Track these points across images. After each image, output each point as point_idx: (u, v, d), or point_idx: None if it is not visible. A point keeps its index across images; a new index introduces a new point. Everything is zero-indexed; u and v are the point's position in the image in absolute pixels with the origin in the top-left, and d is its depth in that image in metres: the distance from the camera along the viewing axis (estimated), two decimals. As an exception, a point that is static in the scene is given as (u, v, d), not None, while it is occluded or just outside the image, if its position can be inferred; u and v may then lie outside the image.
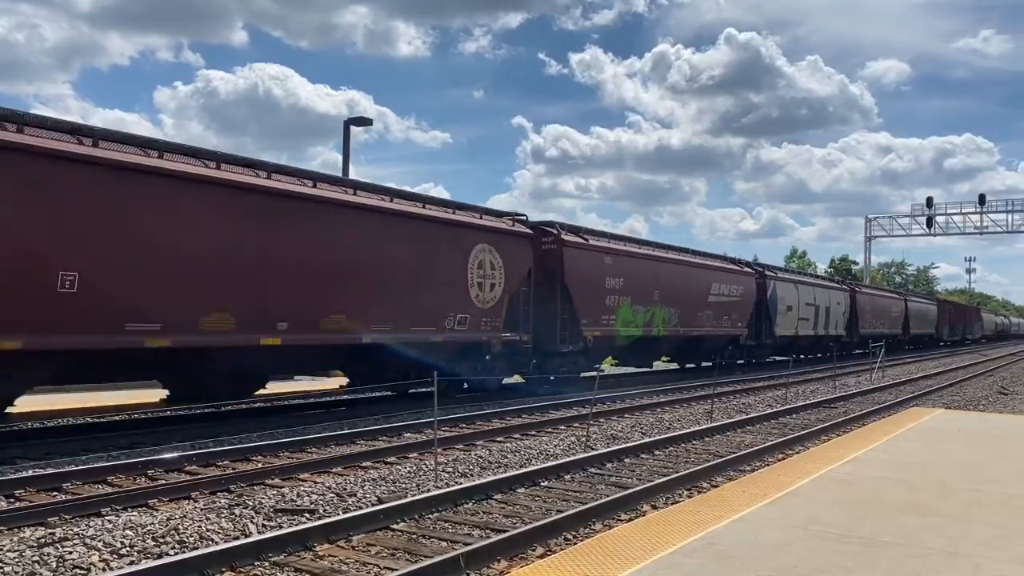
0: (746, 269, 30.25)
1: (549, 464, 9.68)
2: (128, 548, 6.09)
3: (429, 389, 14.80)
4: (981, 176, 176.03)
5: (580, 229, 21.25)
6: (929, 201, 61.95)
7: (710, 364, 25.49)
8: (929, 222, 61.81)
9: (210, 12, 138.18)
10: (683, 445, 12.04)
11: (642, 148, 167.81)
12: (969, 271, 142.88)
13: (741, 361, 29.16)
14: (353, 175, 24.53)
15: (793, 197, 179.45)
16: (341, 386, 17.58)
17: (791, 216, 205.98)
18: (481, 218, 17.45)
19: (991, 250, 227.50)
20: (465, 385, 17.58)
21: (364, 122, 25.69)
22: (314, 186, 13.56)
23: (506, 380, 18.96)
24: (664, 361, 26.28)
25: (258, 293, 12.31)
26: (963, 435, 12.00)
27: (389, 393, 16.54)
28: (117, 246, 10.53)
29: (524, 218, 19.45)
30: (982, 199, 59.99)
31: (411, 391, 16.52)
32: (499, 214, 18.70)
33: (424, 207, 15.91)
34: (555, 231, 19.77)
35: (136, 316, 10.78)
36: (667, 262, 24.45)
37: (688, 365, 28.26)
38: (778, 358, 32.79)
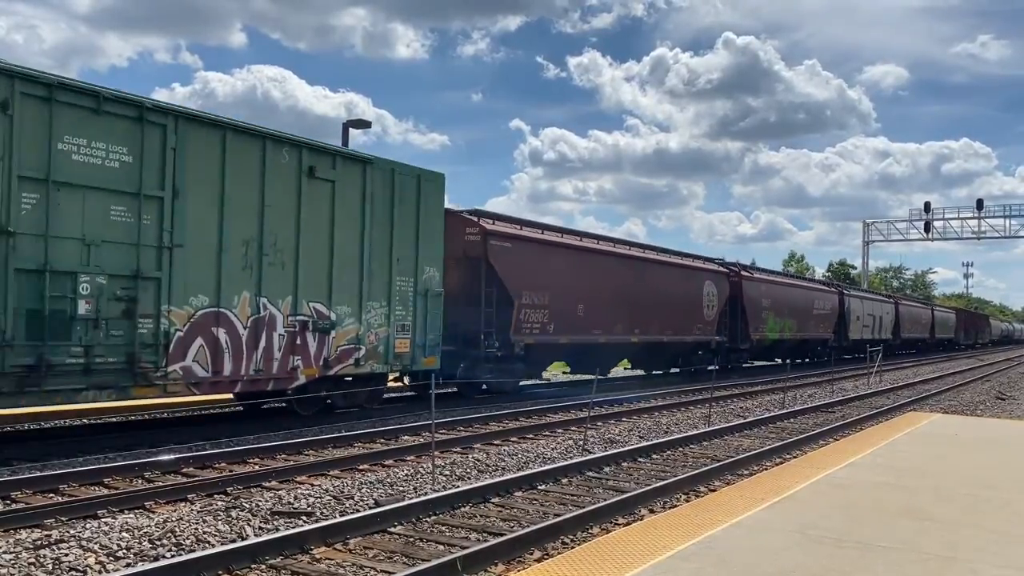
0: (832, 288, 40.59)
1: (546, 468, 9.67)
2: (124, 550, 6.08)
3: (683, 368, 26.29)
4: (979, 181, 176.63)
5: (746, 266, 31.56)
6: (927, 206, 62.07)
7: (802, 361, 35.58)
8: (927, 227, 61.88)
9: (208, 13, 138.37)
10: (681, 449, 12.04)
11: (640, 151, 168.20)
12: (967, 276, 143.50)
13: (827, 358, 35.50)
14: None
15: (791, 201, 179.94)
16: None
17: (789, 220, 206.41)
18: (705, 263, 27.96)
19: (988, 255, 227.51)
20: (692, 369, 26.16)
21: (363, 124, 25.62)
22: (643, 251, 24.43)
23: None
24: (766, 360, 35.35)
25: (629, 314, 22.15)
26: (961, 440, 12.00)
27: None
28: (593, 290, 20.53)
29: (723, 259, 29.88)
30: (980, 204, 60.11)
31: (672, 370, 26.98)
32: (709, 259, 28.86)
33: (683, 259, 26.60)
34: (736, 268, 29.50)
35: (595, 326, 20.72)
36: (792, 286, 34.69)
37: (787, 360, 35.55)
38: (846, 356, 41.07)
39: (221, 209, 11.64)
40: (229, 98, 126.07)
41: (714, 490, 8.83)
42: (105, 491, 8.30)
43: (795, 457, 11.09)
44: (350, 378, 14.09)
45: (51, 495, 8.09)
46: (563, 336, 19.35)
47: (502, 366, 17.76)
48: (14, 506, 7.60)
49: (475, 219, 17.59)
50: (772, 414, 16.41)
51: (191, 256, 11.21)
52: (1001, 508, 7.38)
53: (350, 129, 24.68)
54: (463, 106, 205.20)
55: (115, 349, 10.36)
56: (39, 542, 6.14)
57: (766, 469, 10.18)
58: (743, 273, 29.41)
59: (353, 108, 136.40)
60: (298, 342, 12.74)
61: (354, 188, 13.59)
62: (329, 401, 14.06)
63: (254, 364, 12.11)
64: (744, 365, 30.35)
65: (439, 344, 15.47)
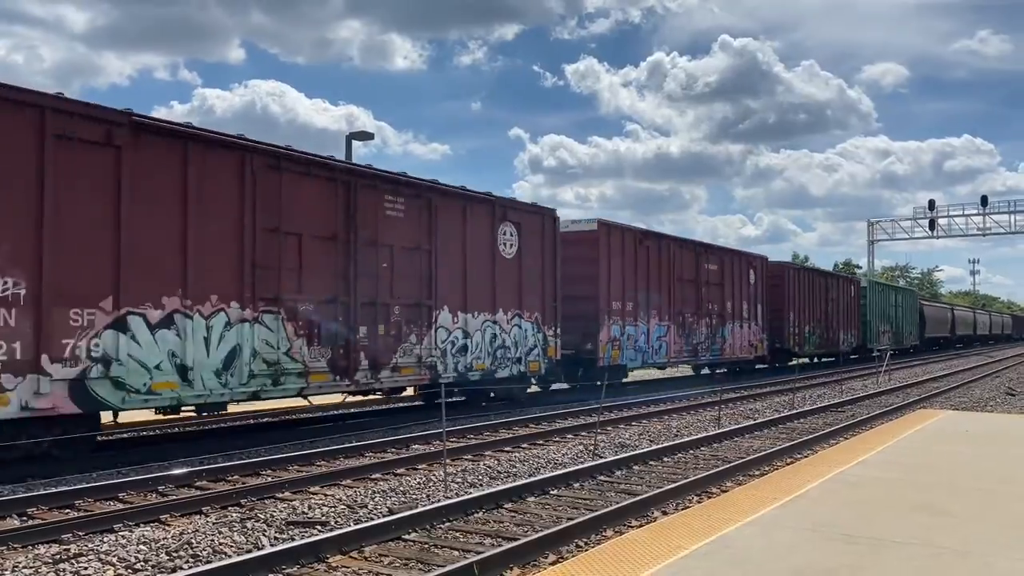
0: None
1: (558, 472, 9.70)
2: (142, 563, 6.13)
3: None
4: (982, 177, 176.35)
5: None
6: (931, 203, 61.98)
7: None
8: (932, 224, 61.79)
9: (206, 30, 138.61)
10: (691, 451, 12.05)
11: (641, 156, 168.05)
12: (973, 273, 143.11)
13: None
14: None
15: (793, 202, 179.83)
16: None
17: (792, 221, 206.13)
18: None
19: (994, 251, 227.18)
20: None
21: (366, 136, 25.79)
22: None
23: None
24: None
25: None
26: (971, 436, 12.00)
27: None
28: (934, 320, 57.20)
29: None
30: (984, 200, 60.03)
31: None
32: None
33: None
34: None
35: (937, 332, 58.56)
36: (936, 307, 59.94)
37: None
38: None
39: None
40: (228, 114, 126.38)
41: (726, 491, 8.85)
42: (120, 505, 8.34)
43: (806, 456, 11.09)
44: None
45: (67, 511, 8.13)
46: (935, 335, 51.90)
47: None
48: (31, 522, 7.64)
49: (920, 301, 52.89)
50: (781, 415, 16.41)
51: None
52: (1014, 502, 7.39)
53: (352, 141, 24.84)
54: (462, 116, 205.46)
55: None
56: (58, 556, 6.19)
57: (777, 469, 10.19)
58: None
59: (354, 121, 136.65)
60: None
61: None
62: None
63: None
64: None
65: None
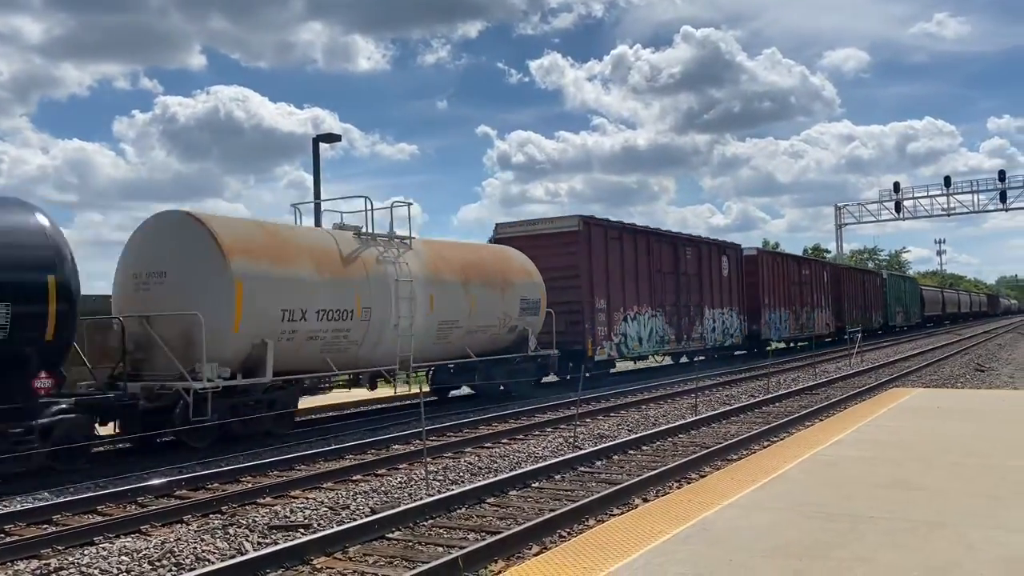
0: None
1: (539, 466, 9.75)
2: (125, 574, 6.09)
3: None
4: (945, 159, 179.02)
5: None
6: (896, 186, 62.88)
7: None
8: (897, 207, 62.68)
9: (165, 37, 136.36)
10: (670, 439, 12.16)
11: (608, 150, 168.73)
12: (939, 253, 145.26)
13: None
14: (324, 193, 25.27)
15: (761, 190, 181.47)
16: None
17: (761, 209, 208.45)
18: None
19: (960, 231, 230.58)
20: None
21: (333, 138, 25.56)
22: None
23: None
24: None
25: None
26: (943, 412, 12.21)
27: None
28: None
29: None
30: (947, 181, 60.97)
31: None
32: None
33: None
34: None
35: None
36: (931, 290, 72.81)
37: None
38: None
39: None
40: (191, 121, 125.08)
41: (705, 476, 8.93)
42: (99, 518, 8.26)
43: (782, 439, 11.22)
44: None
45: (45, 526, 8.04)
46: (931, 313, 66.17)
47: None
48: (9, 538, 7.55)
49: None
50: (757, 399, 16.59)
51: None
52: (985, 473, 7.54)
53: (320, 144, 24.65)
54: (429, 115, 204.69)
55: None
56: (39, 571, 6.14)
57: (754, 452, 10.30)
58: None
59: (319, 123, 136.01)
60: None
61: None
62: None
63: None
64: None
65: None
